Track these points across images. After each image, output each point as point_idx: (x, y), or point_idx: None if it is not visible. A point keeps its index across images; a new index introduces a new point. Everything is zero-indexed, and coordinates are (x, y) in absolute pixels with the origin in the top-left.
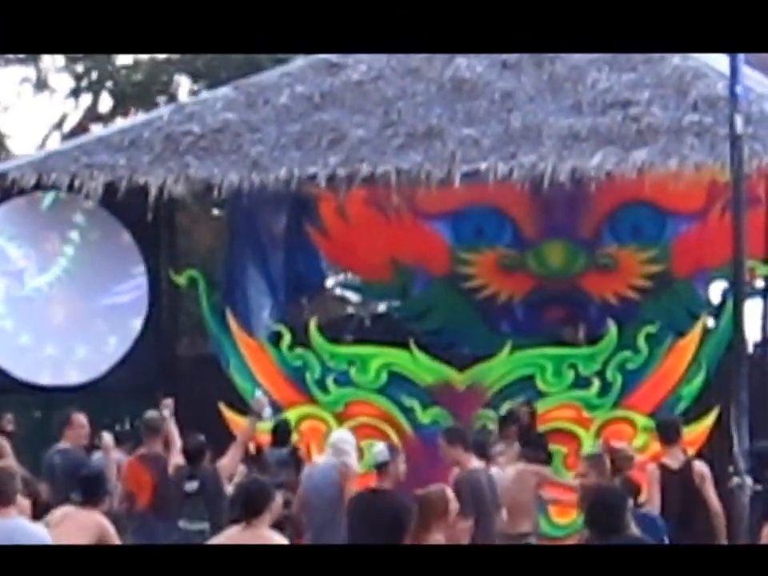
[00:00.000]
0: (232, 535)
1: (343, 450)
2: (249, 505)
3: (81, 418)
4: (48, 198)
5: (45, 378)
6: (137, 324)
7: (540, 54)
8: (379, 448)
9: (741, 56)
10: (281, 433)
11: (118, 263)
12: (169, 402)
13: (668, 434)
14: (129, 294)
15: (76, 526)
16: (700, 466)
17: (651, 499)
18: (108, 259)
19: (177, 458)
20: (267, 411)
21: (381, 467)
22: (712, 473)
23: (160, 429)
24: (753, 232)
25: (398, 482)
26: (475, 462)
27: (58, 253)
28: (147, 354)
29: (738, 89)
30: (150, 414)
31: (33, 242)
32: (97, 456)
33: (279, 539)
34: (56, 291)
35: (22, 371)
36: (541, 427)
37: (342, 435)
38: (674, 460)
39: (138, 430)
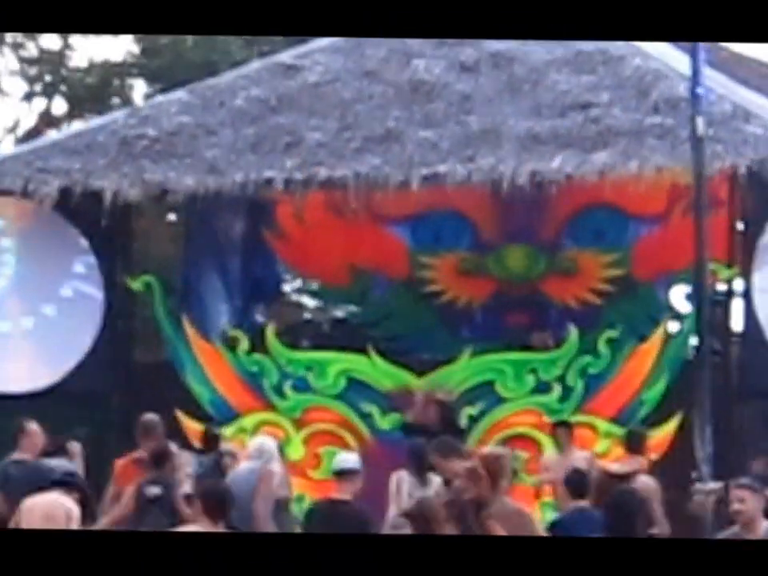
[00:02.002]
0: None
1: (268, 452)
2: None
3: (34, 427)
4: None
5: (7, 386)
6: (92, 329)
7: (498, 56)
8: (346, 455)
9: (702, 57)
10: (208, 440)
11: (72, 269)
12: (76, 445)
13: (635, 443)
14: (84, 300)
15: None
16: (646, 481)
17: None
18: (61, 266)
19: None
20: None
21: (346, 475)
22: (674, 479)
23: (156, 431)
24: (715, 235)
25: (358, 493)
26: None
27: (6, 259)
28: (102, 361)
29: (700, 90)
30: (148, 416)
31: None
32: (56, 462)
33: None
34: (7, 299)
35: None
36: (502, 433)
37: (264, 440)
38: (622, 467)
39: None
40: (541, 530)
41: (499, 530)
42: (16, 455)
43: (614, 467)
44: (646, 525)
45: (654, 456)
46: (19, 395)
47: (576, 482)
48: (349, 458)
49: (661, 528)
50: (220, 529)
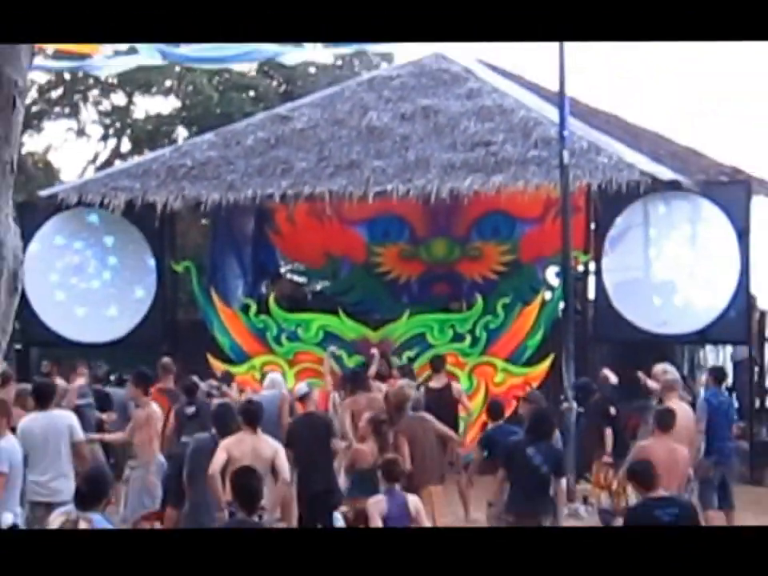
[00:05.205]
0: (242, 439)
1: (280, 384)
2: (251, 415)
3: (83, 369)
4: (93, 215)
5: (86, 337)
6: (149, 298)
7: (427, 108)
8: (300, 385)
9: (567, 109)
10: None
11: (137, 258)
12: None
13: (437, 364)
14: (144, 279)
15: None
16: (457, 387)
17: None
18: (131, 255)
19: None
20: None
21: (303, 398)
22: (548, 401)
23: (172, 369)
24: (576, 231)
25: (316, 406)
26: None
27: (98, 251)
28: (156, 320)
29: (565, 132)
30: (164, 359)
31: (84, 244)
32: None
33: (274, 443)
34: (95, 277)
35: (72, 333)
36: (429, 370)
37: (276, 376)
38: (436, 383)
39: None
40: (441, 427)
41: (404, 443)
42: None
43: (432, 384)
44: (456, 414)
45: (535, 384)
46: (102, 343)
47: (495, 409)
48: (301, 386)
49: (466, 406)
50: (257, 435)
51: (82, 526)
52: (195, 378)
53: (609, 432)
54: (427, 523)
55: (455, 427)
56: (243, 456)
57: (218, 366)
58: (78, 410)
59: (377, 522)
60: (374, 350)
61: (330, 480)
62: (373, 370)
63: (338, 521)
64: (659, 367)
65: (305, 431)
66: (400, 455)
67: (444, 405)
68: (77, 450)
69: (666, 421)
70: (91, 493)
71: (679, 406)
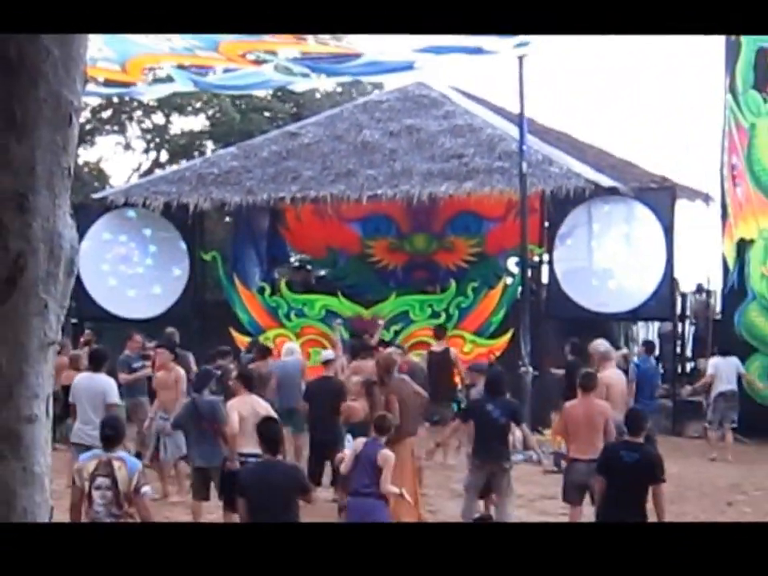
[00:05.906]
0: (244, 400)
1: (298, 352)
2: (247, 380)
3: (138, 337)
4: (130, 212)
5: (133, 314)
6: (183, 282)
7: (411, 127)
8: (326, 351)
9: (525, 127)
10: (251, 344)
11: (173, 248)
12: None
13: (440, 332)
14: (179, 266)
15: None
16: (453, 351)
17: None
18: (167, 246)
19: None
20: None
21: (327, 362)
22: (508, 368)
23: (174, 336)
24: (532, 228)
25: (337, 372)
26: None
27: (141, 243)
28: (188, 300)
29: (524, 147)
30: (169, 329)
31: (127, 237)
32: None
33: (265, 403)
34: (140, 264)
35: (121, 311)
36: (412, 340)
37: (293, 345)
38: (438, 347)
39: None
40: (417, 387)
41: (395, 401)
42: (126, 352)
43: (433, 348)
44: (453, 373)
45: (497, 353)
46: (140, 320)
47: (477, 368)
48: (328, 353)
49: (459, 367)
50: (252, 396)
51: (116, 464)
52: (227, 348)
53: None
54: (389, 476)
55: (452, 381)
56: (248, 414)
57: (239, 337)
58: (135, 371)
59: (349, 457)
60: (381, 321)
61: (336, 431)
62: (376, 336)
63: (349, 440)
64: (595, 342)
65: (319, 391)
66: (392, 411)
67: (444, 364)
68: (109, 409)
69: (586, 382)
70: (112, 435)
71: (614, 372)
